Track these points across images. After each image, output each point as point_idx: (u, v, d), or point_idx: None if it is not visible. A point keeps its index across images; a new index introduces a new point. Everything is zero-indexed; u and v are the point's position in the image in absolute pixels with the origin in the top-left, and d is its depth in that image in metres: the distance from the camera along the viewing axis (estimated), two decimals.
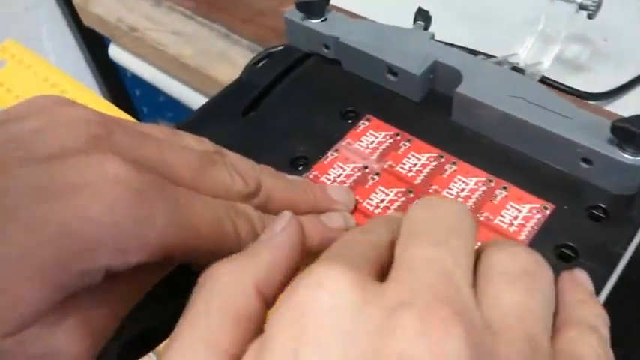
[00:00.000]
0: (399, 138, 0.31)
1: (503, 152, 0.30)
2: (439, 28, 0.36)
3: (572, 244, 0.26)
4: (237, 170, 0.24)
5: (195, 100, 0.49)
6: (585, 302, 0.19)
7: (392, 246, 0.17)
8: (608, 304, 0.24)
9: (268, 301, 0.18)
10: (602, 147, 0.27)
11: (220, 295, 0.17)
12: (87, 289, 0.17)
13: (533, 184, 0.28)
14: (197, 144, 0.24)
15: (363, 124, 0.32)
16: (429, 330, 0.13)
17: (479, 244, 0.18)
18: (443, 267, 0.15)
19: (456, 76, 0.31)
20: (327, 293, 0.14)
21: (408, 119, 0.32)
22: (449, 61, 0.32)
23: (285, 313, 0.14)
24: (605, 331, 0.18)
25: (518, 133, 0.29)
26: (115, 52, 0.56)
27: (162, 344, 0.25)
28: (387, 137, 0.31)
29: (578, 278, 0.21)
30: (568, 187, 0.28)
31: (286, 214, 0.21)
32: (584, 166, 0.27)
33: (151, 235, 0.18)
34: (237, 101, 0.34)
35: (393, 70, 0.33)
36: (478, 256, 0.17)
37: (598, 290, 0.25)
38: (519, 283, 0.16)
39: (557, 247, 0.26)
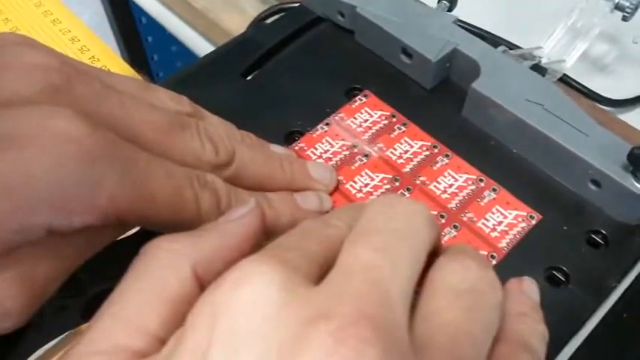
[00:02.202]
0: (394, 120, 0.29)
1: (502, 153, 0.28)
2: (465, 6, 0.33)
3: (564, 268, 0.25)
4: (210, 137, 0.22)
5: (204, 49, 0.46)
6: (525, 316, 0.18)
7: None
8: (590, 340, 0.23)
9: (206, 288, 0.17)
10: (615, 172, 0.25)
11: (154, 274, 0.16)
12: (27, 244, 0.16)
13: (526, 191, 0.27)
14: (172, 103, 0.23)
15: (360, 99, 0.30)
16: (342, 350, 0.12)
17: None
18: (379, 277, 0.14)
19: (473, 69, 0.29)
20: (249, 291, 0.13)
21: (413, 105, 0.30)
22: (469, 50, 0.30)
23: (204, 308, 0.14)
24: (542, 350, 0.18)
25: (529, 141, 0.27)
26: None
27: None
28: (383, 117, 0.29)
29: (525, 288, 0.20)
30: (571, 206, 0.26)
31: (251, 202, 0.19)
32: (592, 187, 0.26)
33: (98, 198, 0.17)
34: (238, 60, 0.32)
35: (407, 52, 0.30)
36: (434, 261, 0.16)
37: (583, 322, 0.24)
38: (462, 301, 0.15)
39: (548, 269, 0.25)
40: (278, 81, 0.31)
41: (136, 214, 0.18)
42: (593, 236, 0.26)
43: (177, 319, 0.15)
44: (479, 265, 0.16)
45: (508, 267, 0.25)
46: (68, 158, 0.16)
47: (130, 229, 0.21)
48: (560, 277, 0.25)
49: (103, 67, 0.36)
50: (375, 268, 0.14)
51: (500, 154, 0.28)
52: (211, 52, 0.34)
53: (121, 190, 0.18)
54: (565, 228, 0.26)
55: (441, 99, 0.30)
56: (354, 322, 0.12)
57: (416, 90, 0.31)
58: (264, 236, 0.19)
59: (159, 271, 0.16)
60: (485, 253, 0.25)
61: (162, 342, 0.15)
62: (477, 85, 0.28)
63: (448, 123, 0.29)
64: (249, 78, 0.32)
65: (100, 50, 0.37)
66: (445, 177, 0.27)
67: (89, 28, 0.38)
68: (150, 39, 0.71)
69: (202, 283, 0.16)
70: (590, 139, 0.26)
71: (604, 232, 0.26)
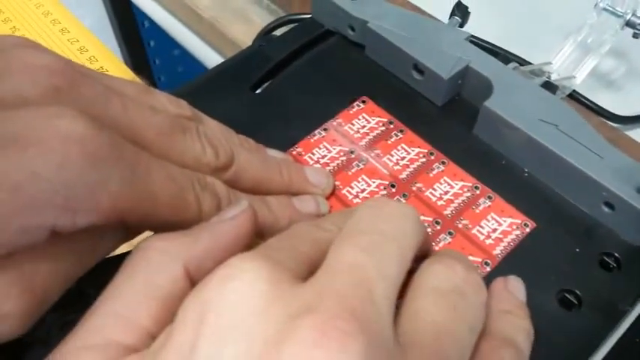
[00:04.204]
0: (391, 127, 0.29)
1: (501, 165, 0.28)
2: (474, 20, 0.33)
3: (576, 291, 0.24)
4: (210, 140, 0.22)
5: (207, 54, 0.46)
6: (509, 313, 0.18)
7: None
8: None
9: None
10: (630, 195, 0.25)
11: (146, 271, 0.17)
12: (30, 246, 0.16)
13: (521, 200, 0.27)
14: (172, 106, 0.23)
15: (357, 105, 0.30)
16: (324, 342, 0.12)
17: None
18: (364, 275, 0.14)
19: (486, 86, 0.29)
20: (236, 286, 0.14)
21: (437, 132, 0.29)
22: (481, 68, 0.29)
23: (192, 303, 0.14)
24: (526, 346, 0.18)
25: (542, 161, 0.27)
26: None
27: None
28: (380, 124, 0.29)
29: (510, 286, 0.20)
30: (583, 228, 0.26)
31: (243, 203, 0.19)
32: (606, 210, 0.26)
33: (102, 198, 0.17)
34: (248, 73, 0.32)
35: (419, 68, 0.30)
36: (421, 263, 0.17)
37: (595, 347, 0.23)
38: (446, 300, 0.15)
39: (560, 292, 0.24)
40: (287, 95, 0.31)
41: (138, 214, 0.18)
42: (605, 259, 0.25)
43: (169, 317, 0.15)
44: (463, 266, 0.16)
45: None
46: (73, 158, 0.16)
47: (132, 237, 0.20)
48: (573, 300, 0.24)
49: (102, 69, 0.36)
50: (360, 266, 0.14)
51: (500, 165, 0.28)
52: (220, 65, 0.33)
53: (125, 190, 0.17)
54: (577, 250, 0.26)
55: (451, 116, 0.30)
56: (337, 316, 0.13)
57: (427, 107, 0.31)
58: (261, 238, 0.19)
59: (151, 269, 0.17)
60: (480, 260, 0.25)
61: (153, 338, 0.15)
62: (489, 103, 0.28)
63: (459, 140, 0.29)
64: (258, 91, 0.31)
65: (100, 52, 0.37)
66: (441, 184, 0.27)
67: (91, 31, 0.38)
68: (152, 43, 0.71)
69: (194, 282, 0.17)
70: (604, 161, 0.26)
71: (617, 254, 0.25)
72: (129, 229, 0.20)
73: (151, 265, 0.17)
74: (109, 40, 0.71)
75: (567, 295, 0.24)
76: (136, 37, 0.71)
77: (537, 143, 0.26)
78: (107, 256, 0.20)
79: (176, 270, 0.17)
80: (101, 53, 0.35)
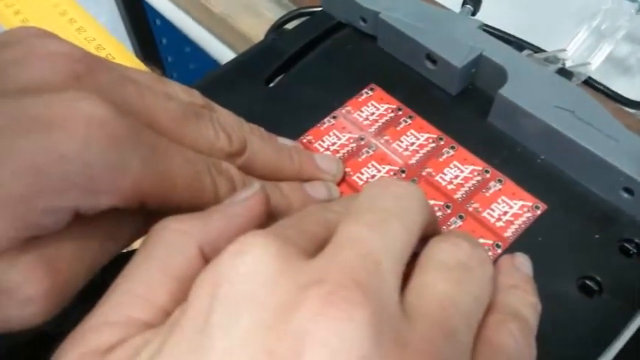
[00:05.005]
0: (400, 113, 0.30)
1: (510, 147, 0.28)
2: (486, 8, 0.33)
3: (597, 277, 0.24)
4: (223, 127, 0.23)
5: (218, 49, 0.46)
6: (516, 287, 0.18)
7: None
8: (625, 352, 0.23)
9: None
10: None
11: (161, 252, 0.17)
12: (53, 230, 0.17)
13: (531, 182, 0.27)
14: (184, 95, 0.23)
15: (366, 92, 0.30)
16: (331, 311, 0.13)
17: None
18: (370, 249, 0.14)
19: (500, 74, 0.29)
20: (248, 260, 0.14)
21: (446, 118, 0.29)
22: (495, 56, 0.29)
23: (205, 278, 0.14)
24: (533, 319, 0.18)
25: (559, 148, 0.27)
26: None
27: None
28: (389, 110, 0.30)
29: (517, 262, 0.20)
30: (602, 214, 0.26)
31: (255, 185, 0.20)
32: (625, 195, 0.26)
33: (124, 179, 0.17)
34: (261, 67, 0.32)
35: (432, 58, 0.30)
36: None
37: (617, 333, 0.23)
38: (452, 274, 0.16)
39: (580, 279, 0.24)
40: (301, 88, 0.31)
41: (157, 197, 0.19)
42: (626, 245, 0.25)
43: (185, 295, 0.15)
44: (469, 243, 0.17)
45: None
46: (95, 140, 0.16)
47: (150, 224, 0.21)
48: (593, 286, 0.24)
49: None
50: (366, 240, 0.15)
51: (514, 151, 0.28)
52: (234, 59, 0.33)
53: (145, 172, 0.18)
54: (597, 236, 0.25)
55: (465, 104, 0.30)
56: (344, 286, 0.13)
57: (441, 96, 0.31)
58: (273, 222, 0.19)
59: (167, 249, 0.17)
60: (491, 242, 0.25)
61: (170, 315, 0.15)
62: (504, 91, 0.28)
63: (472, 127, 0.29)
64: (271, 85, 0.31)
65: (116, 50, 0.37)
66: (451, 168, 0.27)
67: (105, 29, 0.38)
68: (164, 41, 0.71)
69: (208, 261, 0.17)
70: (622, 145, 0.25)
71: (637, 240, 0.25)
72: (148, 216, 0.20)
73: (167, 246, 0.17)
74: (122, 40, 0.72)
75: (587, 281, 0.24)
76: (149, 36, 0.72)
77: (554, 130, 0.26)
78: (130, 249, 0.20)
79: (191, 250, 0.17)
80: (117, 51, 0.35)
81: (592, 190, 0.27)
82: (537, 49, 0.36)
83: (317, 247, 0.16)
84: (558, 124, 0.26)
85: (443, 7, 0.41)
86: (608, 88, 0.37)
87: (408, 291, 0.15)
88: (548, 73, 0.29)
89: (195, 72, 0.70)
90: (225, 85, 0.31)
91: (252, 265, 0.14)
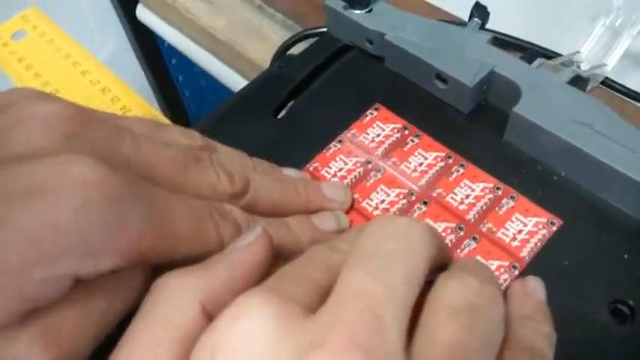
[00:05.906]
0: (406, 132, 0.29)
1: (521, 160, 0.27)
2: (499, 11, 0.32)
3: (629, 302, 0.23)
4: (224, 168, 0.23)
5: (229, 77, 0.46)
6: (528, 318, 0.18)
7: None
8: None
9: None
10: None
11: (163, 311, 0.16)
12: (53, 298, 0.16)
13: (545, 198, 0.26)
14: (183, 138, 0.23)
15: (370, 113, 0.30)
16: None
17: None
18: (372, 302, 0.14)
19: (513, 90, 0.28)
20: (245, 324, 0.14)
21: (455, 135, 0.29)
22: (507, 72, 0.28)
23: (204, 344, 0.14)
24: (548, 351, 0.17)
25: (579, 165, 0.26)
26: (143, 14, 0.53)
27: None
28: (395, 130, 0.29)
29: (528, 288, 0.19)
30: (631, 233, 0.25)
31: (257, 229, 0.19)
32: None
33: (123, 239, 0.17)
34: (268, 98, 0.31)
35: (442, 77, 0.29)
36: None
37: None
38: (461, 318, 0.15)
39: (612, 303, 0.24)
40: (308, 115, 0.31)
41: (160, 251, 0.18)
42: None
43: (187, 355, 0.15)
44: (478, 280, 0.16)
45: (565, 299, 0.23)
46: (91, 202, 0.16)
47: (159, 274, 0.21)
48: (626, 310, 0.23)
49: (124, 108, 0.36)
50: (369, 293, 0.14)
51: (532, 168, 0.27)
52: (241, 91, 0.33)
53: (145, 227, 0.18)
54: (626, 256, 0.25)
55: (478, 122, 0.29)
56: (345, 350, 0.13)
57: (454, 116, 0.30)
58: (284, 260, 0.19)
59: (168, 310, 0.16)
60: (507, 263, 0.24)
61: None
62: (519, 109, 0.27)
63: (486, 146, 0.28)
64: (280, 116, 0.31)
65: (121, 91, 0.36)
66: (462, 187, 0.27)
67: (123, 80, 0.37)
68: (180, 78, 0.72)
69: (211, 317, 0.16)
70: None
71: None
72: (154, 268, 0.20)
73: (168, 306, 0.17)
74: (141, 82, 0.72)
75: (620, 306, 0.24)
76: (165, 75, 0.72)
77: (572, 147, 0.25)
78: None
79: (193, 308, 0.17)
80: (122, 92, 0.35)
81: (618, 207, 0.26)
82: (551, 53, 0.35)
83: (320, 296, 0.15)
84: (577, 140, 0.25)
85: (452, 15, 0.40)
86: (625, 87, 0.36)
87: (416, 338, 0.15)
88: (562, 85, 0.28)
89: (212, 103, 0.70)
90: (233, 119, 0.31)
91: (250, 330, 0.14)
